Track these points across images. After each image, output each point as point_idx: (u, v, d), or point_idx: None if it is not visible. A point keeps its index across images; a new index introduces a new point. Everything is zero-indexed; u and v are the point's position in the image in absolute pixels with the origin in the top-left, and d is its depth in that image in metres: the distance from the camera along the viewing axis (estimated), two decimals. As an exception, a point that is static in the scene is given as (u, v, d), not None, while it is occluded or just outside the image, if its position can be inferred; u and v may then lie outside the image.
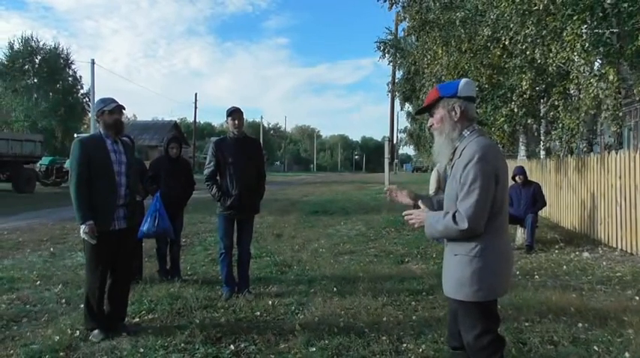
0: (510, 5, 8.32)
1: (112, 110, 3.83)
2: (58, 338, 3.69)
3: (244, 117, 5.03)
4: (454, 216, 2.18)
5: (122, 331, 3.81)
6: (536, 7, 7.81)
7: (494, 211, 2.21)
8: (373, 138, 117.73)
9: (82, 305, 3.96)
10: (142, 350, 3.53)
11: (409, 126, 40.95)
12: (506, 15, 8.77)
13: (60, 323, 4.05)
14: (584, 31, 7.13)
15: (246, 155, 4.84)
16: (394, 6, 13.91)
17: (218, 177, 4.88)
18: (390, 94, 28.88)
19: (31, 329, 3.97)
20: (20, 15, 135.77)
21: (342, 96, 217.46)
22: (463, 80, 2.40)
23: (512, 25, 8.59)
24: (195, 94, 47.71)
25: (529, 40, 8.27)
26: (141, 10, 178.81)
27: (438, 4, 11.58)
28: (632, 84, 8.70)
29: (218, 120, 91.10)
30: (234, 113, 4.82)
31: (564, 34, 7.34)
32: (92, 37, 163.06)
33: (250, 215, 5.00)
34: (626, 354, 3.41)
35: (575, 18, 7.09)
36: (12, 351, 3.52)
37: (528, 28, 8.20)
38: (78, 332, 3.81)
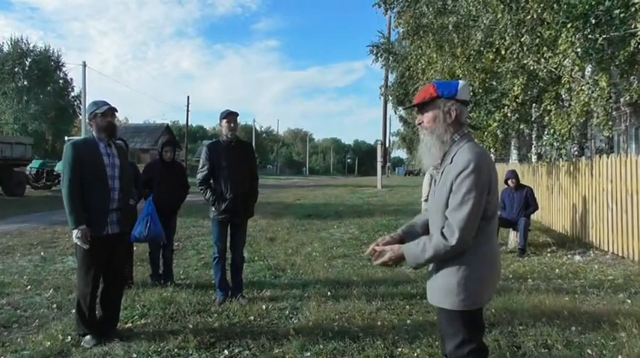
0: (506, 16, 8.38)
1: (105, 113, 3.80)
2: (49, 343, 3.65)
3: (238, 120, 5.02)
4: (443, 234, 2.09)
5: (114, 336, 3.78)
6: (529, 17, 7.88)
7: (487, 218, 2.15)
8: (366, 141, 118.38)
9: (74, 311, 3.92)
10: (134, 355, 3.50)
11: (402, 129, 41.13)
12: (500, 27, 8.83)
13: (51, 328, 4.00)
14: (577, 37, 7.20)
15: (240, 158, 4.83)
16: (389, 11, 13.97)
17: (211, 181, 4.86)
18: (382, 98, 28.94)
19: (22, 334, 3.92)
20: (5, 16, 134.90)
21: (334, 99, 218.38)
22: (461, 82, 2.28)
23: (507, 37, 8.65)
24: (188, 97, 47.52)
25: (524, 48, 8.33)
26: (129, 12, 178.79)
27: (431, 8, 11.64)
28: (622, 90, 8.79)
29: (210, 123, 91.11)
30: (230, 115, 4.80)
31: (559, 41, 7.40)
32: (80, 39, 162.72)
33: (244, 219, 4.98)
34: (619, 357, 3.43)
35: (569, 26, 7.16)
36: (2, 357, 3.47)
37: (523, 36, 8.27)
38: (69, 337, 3.77)
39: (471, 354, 2.20)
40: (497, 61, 9.82)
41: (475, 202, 2.06)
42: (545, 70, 8.26)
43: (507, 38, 8.69)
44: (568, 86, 8.19)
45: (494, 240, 2.29)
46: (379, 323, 4.17)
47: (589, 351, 3.55)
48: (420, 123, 2.32)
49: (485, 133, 10.65)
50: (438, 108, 2.24)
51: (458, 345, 2.21)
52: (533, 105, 10.96)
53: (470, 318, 2.21)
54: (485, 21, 9.49)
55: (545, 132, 9.81)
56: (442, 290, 2.23)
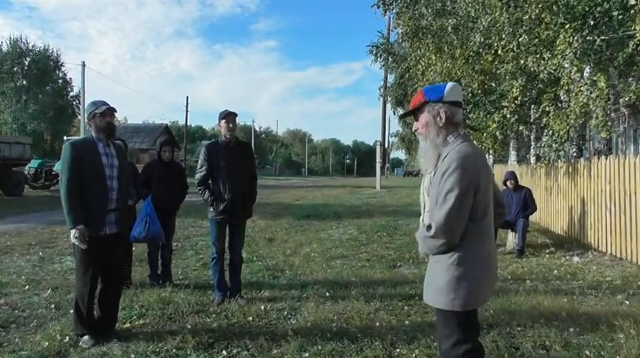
0: (503, 14, 8.39)
1: (104, 113, 3.80)
2: (47, 344, 3.65)
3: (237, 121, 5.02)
4: (428, 226, 2.21)
5: (113, 337, 3.78)
6: (528, 16, 7.89)
7: (478, 218, 2.19)
8: (365, 142, 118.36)
9: (72, 311, 3.91)
10: (132, 355, 3.50)
11: (401, 130, 41.17)
12: (498, 25, 8.85)
13: (49, 328, 4.00)
14: (575, 38, 7.21)
15: (238, 159, 4.82)
16: (388, 12, 13.97)
17: (210, 181, 4.86)
18: (381, 98, 28.93)
19: (20, 335, 3.91)
20: (4, 15, 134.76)
21: (334, 99, 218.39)
22: (449, 84, 2.33)
23: (504, 36, 8.67)
24: (187, 97, 47.49)
25: (522, 48, 8.34)
26: (128, 12, 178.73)
27: (430, 10, 11.65)
28: (621, 91, 8.81)
29: (209, 123, 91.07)
30: (229, 116, 4.80)
31: (557, 42, 7.42)
32: (79, 39, 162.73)
33: (243, 219, 4.98)
34: (617, 358, 3.44)
35: (567, 26, 7.17)
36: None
37: (521, 36, 8.28)
38: (67, 338, 3.77)
39: (466, 354, 2.23)
40: (496, 63, 9.84)
41: (456, 200, 2.12)
42: (545, 72, 8.27)
43: (504, 37, 8.70)
44: (567, 87, 8.20)
45: (488, 241, 2.31)
46: (378, 323, 4.18)
47: (587, 352, 3.56)
48: (416, 130, 2.40)
49: (485, 134, 10.64)
50: (428, 112, 2.31)
51: (453, 345, 2.24)
52: (532, 106, 10.97)
53: (465, 318, 2.24)
54: (484, 22, 9.50)
55: (544, 134, 9.82)
56: (437, 290, 2.26)
